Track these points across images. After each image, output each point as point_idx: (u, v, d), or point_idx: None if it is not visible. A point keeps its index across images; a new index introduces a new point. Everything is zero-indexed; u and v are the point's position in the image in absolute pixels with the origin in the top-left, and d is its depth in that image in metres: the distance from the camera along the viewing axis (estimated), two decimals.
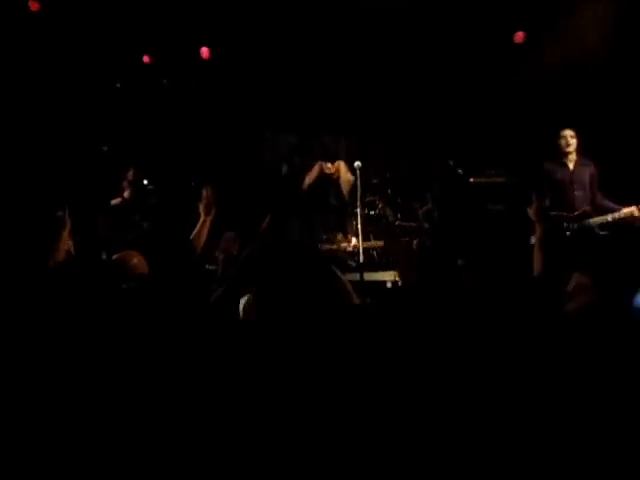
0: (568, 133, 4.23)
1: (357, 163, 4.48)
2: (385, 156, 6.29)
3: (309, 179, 4.43)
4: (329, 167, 4.40)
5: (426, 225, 5.35)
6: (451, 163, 5.64)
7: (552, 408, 1.52)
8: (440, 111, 5.92)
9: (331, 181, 4.42)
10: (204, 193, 2.93)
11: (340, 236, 4.48)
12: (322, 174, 4.41)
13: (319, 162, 4.44)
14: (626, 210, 3.99)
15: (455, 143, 5.86)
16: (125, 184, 4.79)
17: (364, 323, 1.72)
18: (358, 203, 4.42)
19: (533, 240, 3.89)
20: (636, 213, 3.97)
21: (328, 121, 6.15)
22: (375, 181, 5.86)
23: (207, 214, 2.91)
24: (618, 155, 4.59)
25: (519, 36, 5.27)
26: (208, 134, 5.98)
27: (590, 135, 4.33)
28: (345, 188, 4.37)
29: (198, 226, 2.90)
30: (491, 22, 5.27)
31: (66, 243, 2.69)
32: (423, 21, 5.40)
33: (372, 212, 5.72)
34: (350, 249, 4.52)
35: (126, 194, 4.80)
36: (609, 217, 4.04)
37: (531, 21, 5.14)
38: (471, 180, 5.42)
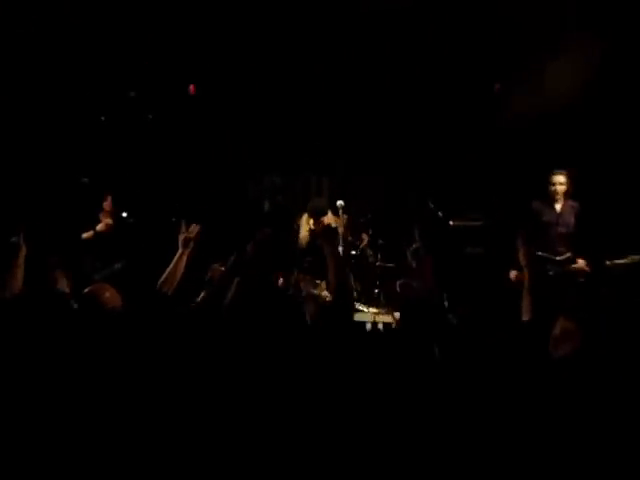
0: (557, 179, 4.26)
1: (340, 202, 4.49)
2: (367, 196, 6.34)
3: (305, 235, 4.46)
4: (312, 222, 4.41)
5: (414, 264, 5.34)
6: (431, 205, 5.70)
7: (539, 450, 1.50)
8: (421, 154, 6.02)
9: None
10: (183, 226, 2.90)
11: (323, 284, 4.42)
12: (309, 228, 4.43)
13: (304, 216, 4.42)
14: (578, 264, 4.04)
15: (435, 185, 5.95)
16: (102, 214, 4.70)
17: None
18: (341, 242, 4.41)
19: (513, 278, 3.89)
20: (585, 268, 4.01)
21: (311, 160, 6.22)
22: (360, 220, 5.87)
23: (185, 247, 2.86)
24: (599, 196, 4.67)
25: (497, 87, 5.46)
26: (193, 169, 5.96)
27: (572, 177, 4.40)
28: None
29: (175, 259, 2.84)
30: (471, 70, 5.46)
31: (21, 269, 2.57)
32: (406, 66, 5.55)
33: (353, 252, 5.70)
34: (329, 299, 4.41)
35: (100, 226, 4.71)
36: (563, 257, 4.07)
37: (507, 70, 5.32)
38: (451, 223, 5.47)
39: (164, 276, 2.75)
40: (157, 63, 5.45)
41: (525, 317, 2.63)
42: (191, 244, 2.85)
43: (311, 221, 4.44)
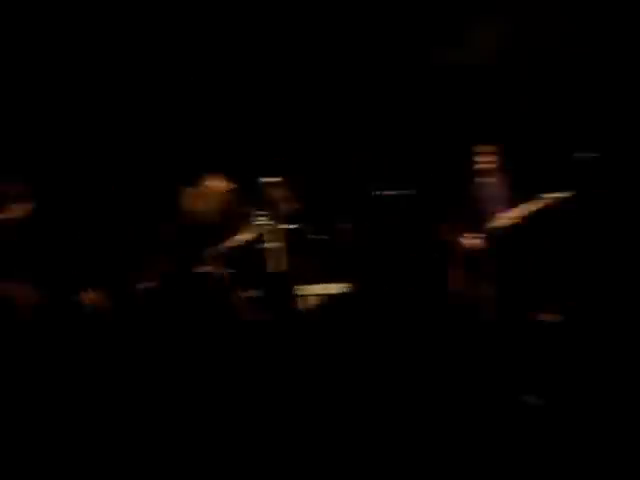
0: (482, 149, 4.36)
1: (267, 179, 4.40)
2: (299, 169, 6.26)
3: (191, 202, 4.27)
4: (196, 187, 4.24)
5: (342, 243, 5.39)
6: (365, 178, 5.73)
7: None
8: (352, 124, 6.00)
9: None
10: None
11: (210, 251, 4.25)
12: (197, 195, 4.26)
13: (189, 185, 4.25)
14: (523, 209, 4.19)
15: (373, 158, 5.96)
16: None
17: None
18: (270, 218, 4.34)
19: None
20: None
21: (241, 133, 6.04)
22: (290, 194, 5.80)
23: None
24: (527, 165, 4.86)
25: None
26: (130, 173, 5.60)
27: (502, 148, 4.54)
28: (211, 203, 4.22)
29: None
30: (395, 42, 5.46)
31: None
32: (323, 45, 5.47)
33: (287, 226, 5.66)
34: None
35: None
36: (508, 219, 4.23)
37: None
38: (380, 193, 5.54)
39: None
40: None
41: (453, 287, 2.74)
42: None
43: (197, 186, 4.24)
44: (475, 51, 5.06)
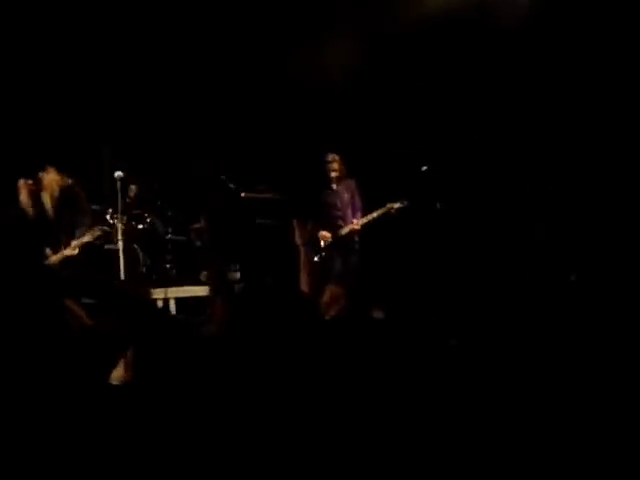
0: (330, 158, 4.59)
1: (118, 173, 4.17)
2: (154, 166, 6.01)
3: (24, 199, 3.91)
4: (30, 183, 3.92)
5: (198, 243, 5.28)
6: (223, 178, 5.68)
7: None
8: (214, 124, 5.93)
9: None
10: None
11: (48, 250, 3.94)
12: (29, 191, 3.93)
13: (21, 181, 3.90)
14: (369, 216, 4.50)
15: (228, 158, 5.92)
16: None
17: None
18: (120, 216, 4.13)
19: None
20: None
21: (90, 126, 5.62)
22: (144, 193, 5.54)
23: None
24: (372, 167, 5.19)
25: None
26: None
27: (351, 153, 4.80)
28: (48, 199, 3.92)
29: None
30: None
31: None
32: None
33: (141, 226, 5.39)
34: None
35: None
36: (355, 224, 4.51)
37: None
38: (242, 195, 5.55)
39: None
40: None
41: (304, 288, 2.85)
42: None
43: (29, 181, 3.89)
44: (322, 61, 5.31)
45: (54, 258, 3.96)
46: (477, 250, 4.83)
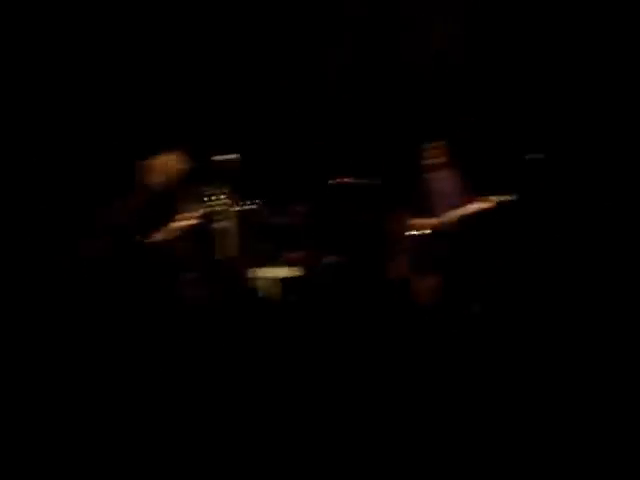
0: (433, 145, 4.45)
1: (229, 156, 4.39)
2: (261, 149, 6.22)
3: (143, 177, 4.28)
4: (150, 162, 4.23)
5: (297, 226, 5.43)
6: (318, 163, 5.76)
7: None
8: (310, 114, 6.01)
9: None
10: None
11: (158, 229, 4.19)
12: (149, 170, 4.27)
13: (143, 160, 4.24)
14: (473, 207, 4.31)
15: (322, 145, 5.99)
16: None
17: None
18: (228, 197, 4.37)
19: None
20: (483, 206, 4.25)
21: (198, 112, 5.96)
22: (254, 176, 5.78)
23: None
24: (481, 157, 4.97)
25: None
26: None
27: (455, 142, 4.63)
28: (164, 179, 4.18)
29: None
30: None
31: None
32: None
33: (246, 207, 5.65)
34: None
35: None
36: (454, 215, 4.36)
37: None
38: (337, 181, 5.60)
39: None
40: None
41: (397, 275, 2.82)
42: None
43: (150, 161, 4.18)
44: (426, 47, 5.13)
45: (168, 232, 4.31)
46: (588, 250, 4.46)
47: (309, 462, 1.43)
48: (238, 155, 4.30)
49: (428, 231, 4.32)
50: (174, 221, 4.26)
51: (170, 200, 4.28)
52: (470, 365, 1.87)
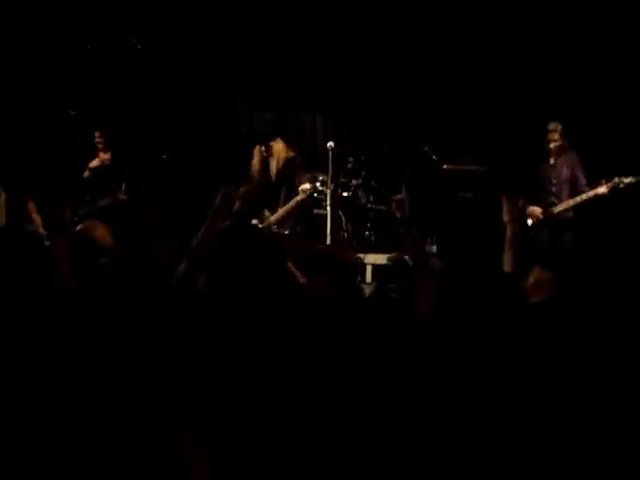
0: (552, 127, 4.19)
1: (330, 143, 4.47)
2: (361, 138, 6.23)
3: (255, 164, 4.49)
4: (263, 150, 4.44)
5: (398, 214, 5.36)
6: (426, 149, 5.63)
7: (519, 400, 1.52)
8: (419, 97, 5.88)
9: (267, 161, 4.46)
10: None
11: (267, 212, 4.48)
12: (261, 157, 4.46)
13: (256, 147, 4.47)
14: (591, 192, 4.01)
15: (432, 129, 5.85)
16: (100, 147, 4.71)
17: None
18: (329, 183, 4.46)
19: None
20: (602, 191, 3.96)
21: (305, 99, 6.07)
22: (350, 163, 5.82)
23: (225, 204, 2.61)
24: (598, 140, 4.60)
25: None
26: (182, 104, 5.82)
27: (573, 125, 4.31)
28: (274, 166, 4.41)
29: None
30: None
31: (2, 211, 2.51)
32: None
33: (345, 194, 5.70)
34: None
35: (94, 162, 4.72)
36: (571, 202, 4.09)
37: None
38: (444, 167, 5.44)
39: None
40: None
41: (506, 269, 2.69)
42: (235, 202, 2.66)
43: (263, 148, 4.43)
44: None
45: (272, 219, 4.51)
46: None
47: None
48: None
49: (540, 219, 4.09)
50: (281, 206, 4.44)
51: (278, 186, 4.46)
52: (572, 365, 1.74)
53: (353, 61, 5.81)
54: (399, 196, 5.52)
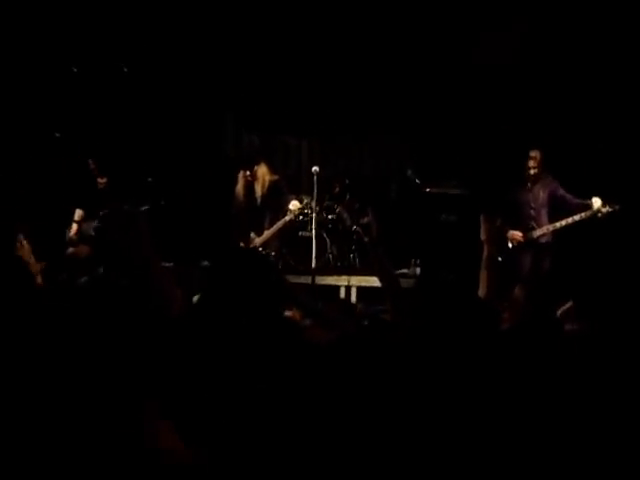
0: (531, 155, 4.28)
1: (315, 168, 4.55)
2: (346, 161, 6.34)
3: (240, 189, 4.58)
4: (247, 174, 4.52)
5: (365, 238, 5.45)
6: (410, 172, 5.74)
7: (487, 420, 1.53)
8: (402, 122, 6.02)
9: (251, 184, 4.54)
10: None
11: (252, 234, 4.58)
12: (245, 182, 4.54)
13: (241, 172, 4.57)
14: (570, 219, 4.13)
15: (414, 153, 5.97)
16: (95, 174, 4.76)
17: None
18: (314, 206, 4.54)
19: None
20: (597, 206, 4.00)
21: (291, 122, 6.17)
22: (335, 185, 5.91)
23: None
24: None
25: None
26: (167, 125, 5.88)
27: (551, 150, 4.44)
28: (259, 189, 4.51)
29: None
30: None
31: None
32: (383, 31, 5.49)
33: (330, 216, 5.77)
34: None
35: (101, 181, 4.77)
36: (550, 227, 4.20)
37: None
38: (427, 190, 5.54)
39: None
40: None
41: (481, 290, 2.75)
42: None
43: (247, 173, 4.51)
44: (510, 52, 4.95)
45: (257, 241, 4.56)
46: None
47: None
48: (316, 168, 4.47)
49: (519, 242, 4.18)
50: (267, 228, 4.50)
51: (263, 209, 4.53)
52: (564, 384, 1.77)
53: (338, 86, 5.93)
54: (366, 220, 5.61)
